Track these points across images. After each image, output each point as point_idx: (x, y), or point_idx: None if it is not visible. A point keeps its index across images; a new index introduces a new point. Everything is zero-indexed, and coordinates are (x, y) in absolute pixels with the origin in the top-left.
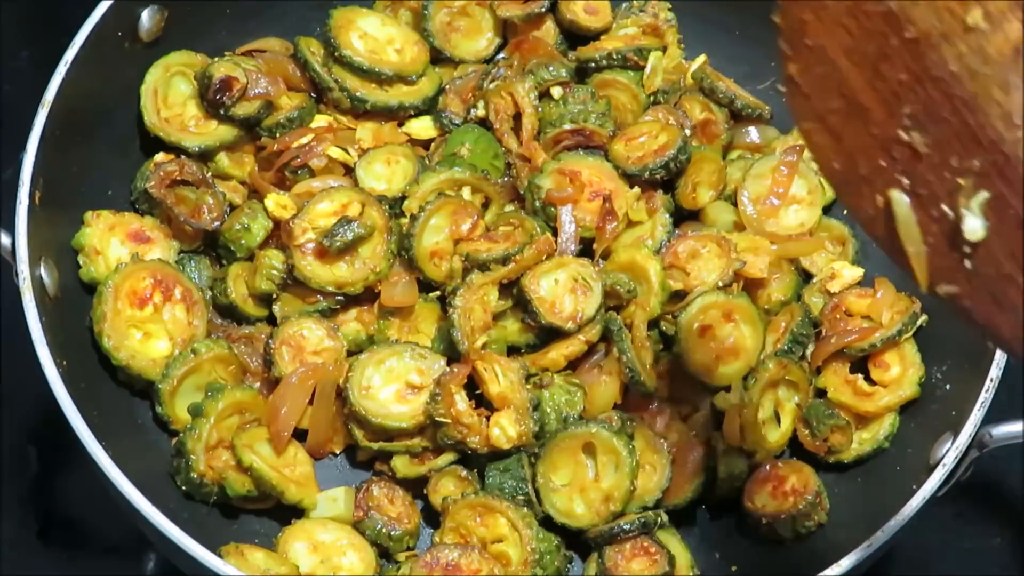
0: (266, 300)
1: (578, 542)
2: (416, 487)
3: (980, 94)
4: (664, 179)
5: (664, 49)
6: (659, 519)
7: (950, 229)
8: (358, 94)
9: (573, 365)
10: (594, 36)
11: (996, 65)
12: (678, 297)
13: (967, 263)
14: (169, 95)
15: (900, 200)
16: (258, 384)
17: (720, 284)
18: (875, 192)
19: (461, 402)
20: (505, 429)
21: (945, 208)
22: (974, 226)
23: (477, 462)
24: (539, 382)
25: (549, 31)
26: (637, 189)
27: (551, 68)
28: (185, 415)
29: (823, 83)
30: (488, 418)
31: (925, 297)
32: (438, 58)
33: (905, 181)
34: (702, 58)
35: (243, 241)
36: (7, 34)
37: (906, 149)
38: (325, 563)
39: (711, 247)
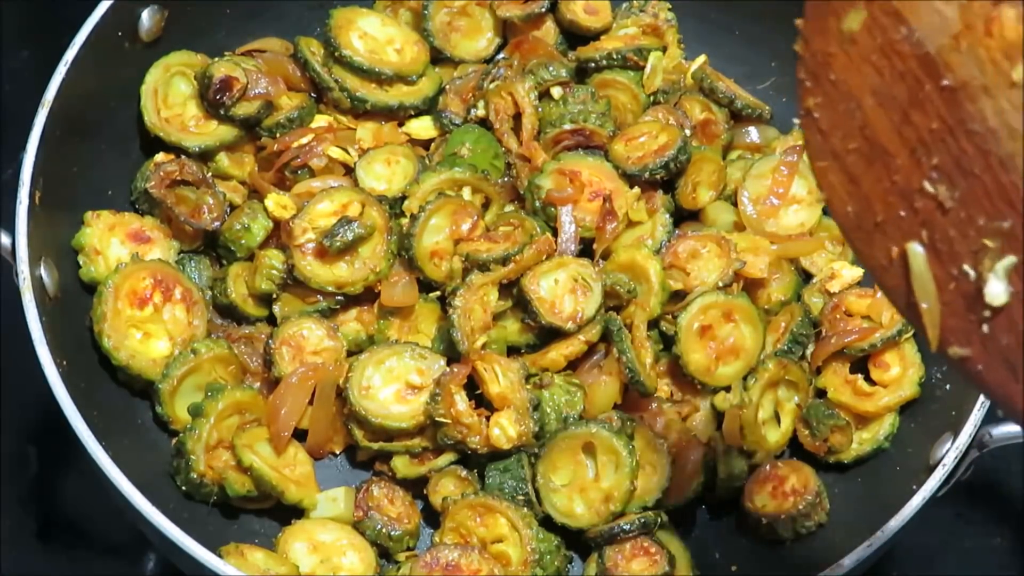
0: (266, 300)
1: (578, 542)
2: (416, 487)
3: (1018, 153)
4: (664, 179)
5: (664, 49)
6: (659, 519)
7: (970, 290)
8: (358, 94)
9: (573, 365)
10: (594, 36)
11: None
12: (678, 297)
13: (984, 327)
14: (169, 95)
15: (918, 254)
16: (258, 384)
17: (720, 284)
18: (890, 242)
19: (461, 402)
20: (505, 429)
21: (967, 268)
22: (997, 291)
23: (477, 462)
24: (539, 382)
25: (549, 31)
26: (637, 189)
27: (551, 68)
28: (185, 415)
29: (844, 122)
30: (488, 418)
31: None
32: (438, 58)
33: (925, 234)
34: (702, 58)
35: (243, 241)
36: (7, 34)
37: (930, 201)
38: (325, 563)
39: (711, 247)
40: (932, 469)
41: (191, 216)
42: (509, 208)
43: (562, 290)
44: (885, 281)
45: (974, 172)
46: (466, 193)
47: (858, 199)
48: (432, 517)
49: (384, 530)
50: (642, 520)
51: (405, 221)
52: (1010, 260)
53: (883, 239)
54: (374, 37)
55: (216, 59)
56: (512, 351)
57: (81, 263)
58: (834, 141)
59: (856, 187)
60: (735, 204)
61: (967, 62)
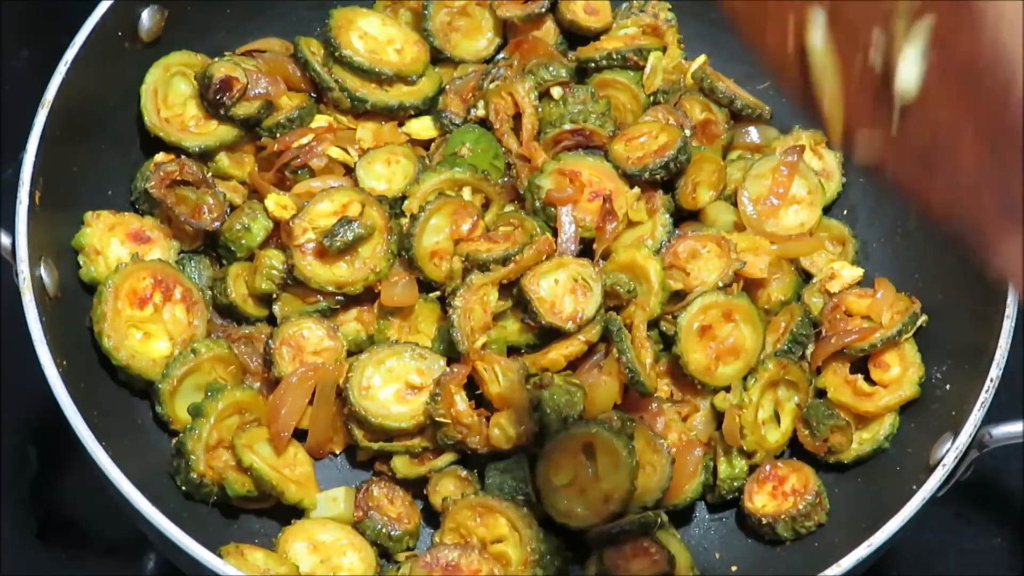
0: (266, 300)
1: (578, 542)
2: (416, 487)
3: None
4: (664, 179)
5: (664, 49)
6: (659, 519)
7: (876, 81)
8: (358, 94)
9: (573, 365)
10: (594, 36)
11: None
12: (678, 297)
13: (894, 124)
14: (169, 95)
15: (817, 38)
16: (258, 384)
17: (720, 284)
18: (785, 26)
19: (461, 402)
20: (505, 429)
21: (873, 54)
22: (908, 76)
23: (477, 462)
24: (539, 382)
25: (549, 31)
26: (637, 189)
27: (551, 68)
28: (185, 415)
29: None
30: (488, 418)
31: (925, 297)
32: (438, 58)
33: (824, 11)
34: (702, 58)
35: (243, 241)
36: (7, 34)
37: None
38: (325, 563)
39: (711, 247)
40: (932, 469)
41: (191, 216)
42: (509, 208)
43: (562, 290)
44: (784, 74)
45: None
46: (466, 193)
47: None
48: (432, 517)
49: (384, 530)
50: (642, 520)
51: (405, 221)
52: (924, 36)
53: (777, 25)
54: (374, 37)
55: (216, 59)
56: (512, 351)
57: (81, 263)
58: None
59: None
60: (735, 204)
61: None
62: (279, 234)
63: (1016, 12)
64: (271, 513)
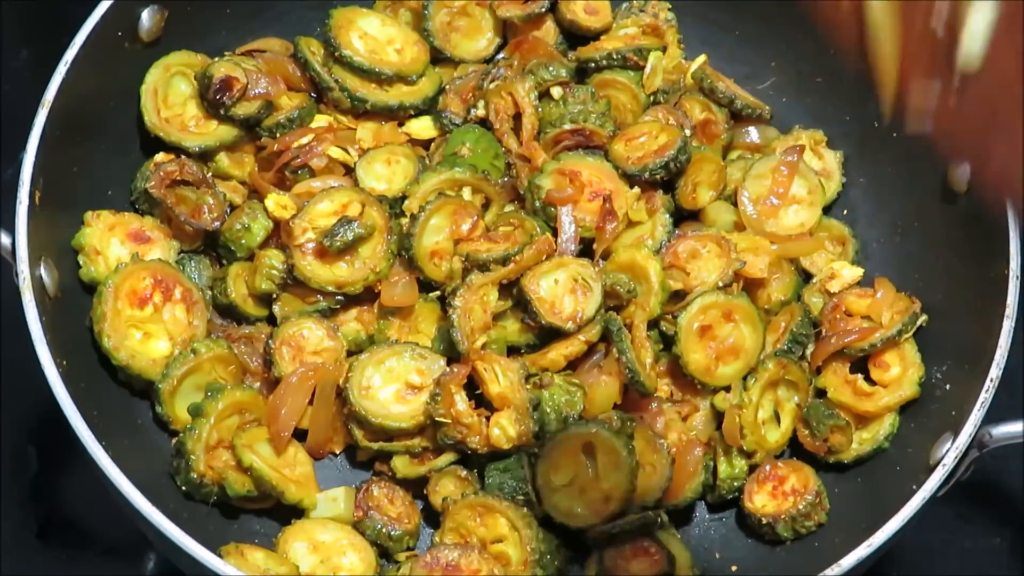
0: (266, 300)
1: (578, 542)
2: (416, 487)
3: None
4: (664, 179)
5: (664, 49)
6: (659, 519)
7: (938, 49)
8: (358, 94)
9: (573, 365)
10: (594, 36)
11: None
12: (678, 297)
13: (951, 97)
14: (169, 95)
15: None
16: (258, 384)
17: (720, 284)
18: None
19: (461, 402)
20: (505, 429)
21: (936, 18)
22: (972, 48)
23: (477, 462)
24: (539, 382)
25: (549, 31)
26: (637, 189)
27: (551, 68)
28: (185, 415)
29: None
30: (488, 418)
31: (925, 297)
32: (438, 58)
33: None
34: (702, 58)
35: (243, 241)
36: (7, 34)
37: None
38: (325, 563)
39: (711, 247)
40: (932, 469)
41: (191, 216)
42: (509, 208)
43: (562, 290)
44: (839, 28)
45: None
46: (466, 193)
47: None
48: (432, 517)
49: (384, 530)
50: (642, 520)
51: (405, 221)
52: (994, 7)
53: None
54: (374, 37)
55: (216, 59)
56: (512, 351)
57: (81, 263)
58: None
59: None
60: (735, 204)
61: None
62: (279, 234)
63: None
64: (271, 513)
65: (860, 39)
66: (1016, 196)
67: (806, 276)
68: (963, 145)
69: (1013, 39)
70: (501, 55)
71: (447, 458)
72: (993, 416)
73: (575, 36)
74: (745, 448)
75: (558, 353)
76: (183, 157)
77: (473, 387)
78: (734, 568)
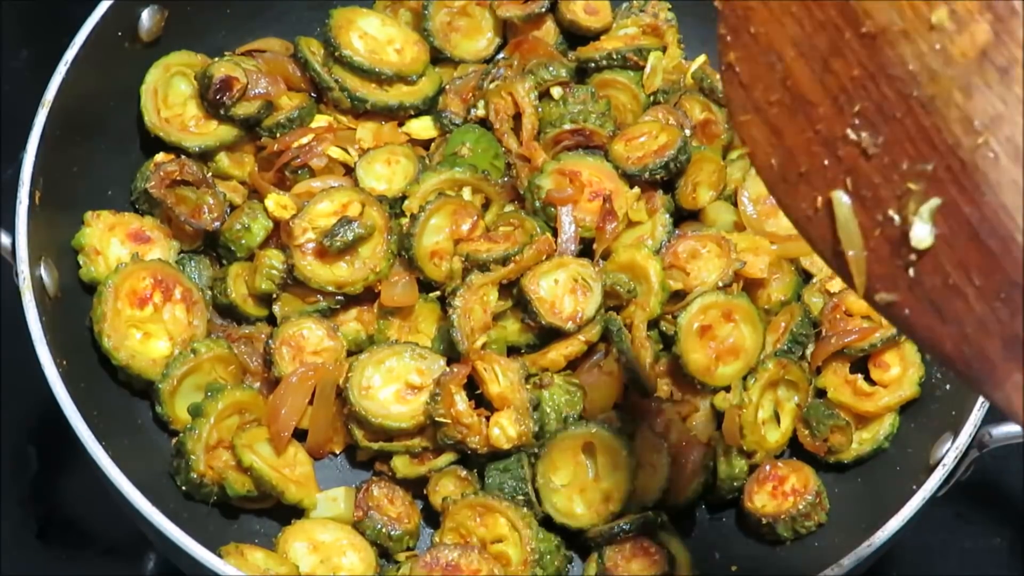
0: (266, 300)
1: (578, 542)
2: (416, 487)
3: (939, 96)
4: (664, 179)
5: (664, 49)
6: (659, 519)
7: (895, 235)
8: (358, 94)
9: (573, 365)
10: (594, 36)
11: (959, 67)
12: (678, 297)
13: (910, 271)
14: (169, 95)
15: (842, 201)
16: (258, 384)
17: (720, 284)
18: (815, 192)
19: (461, 402)
20: (505, 429)
21: (891, 213)
22: (922, 233)
23: (477, 462)
24: (539, 382)
25: (549, 31)
26: (637, 189)
27: (551, 68)
28: (185, 415)
29: (766, 74)
30: (488, 418)
31: None
32: (438, 58)
33: (849, 182)
34: (702, 58)
35: (243, 241)
36: (7, 34)
37: (853, 149)
38: (325, 563)
39: (711, 247)
40: (932, 469)
41: (191, 216)
42: (509, 208)
43: (562, 290)
44: (810, 231)
45: (896, 117)
46: (466, 193)
47: (782, 151)
48: (432, 517)
49: (384, 530)
50: (642, 520)
51: (405, 221)
52: (935, 202)
53: (808, 189)
54: (374, 37)
55: (216, 59)
56: (512, 351)
57: (81, 263)
58: (756, 94)
59: (779, 139)
60: (735, 204)
61: (886, 8)
62: (279, 234)
63: (1013, 182)
64: (271, 513)
65: (829, 237)
66: (963, 365)
67: (806, 276)
68: (920, 317)
69: (953, 227)
70: (501, 55)
71: (447, 458)
72: (993, 416)
73: (575, 36)
74: (745, 448)
75: (558, 353)
76: (183, 157)
77: (473, 387)
78: (734, 568)
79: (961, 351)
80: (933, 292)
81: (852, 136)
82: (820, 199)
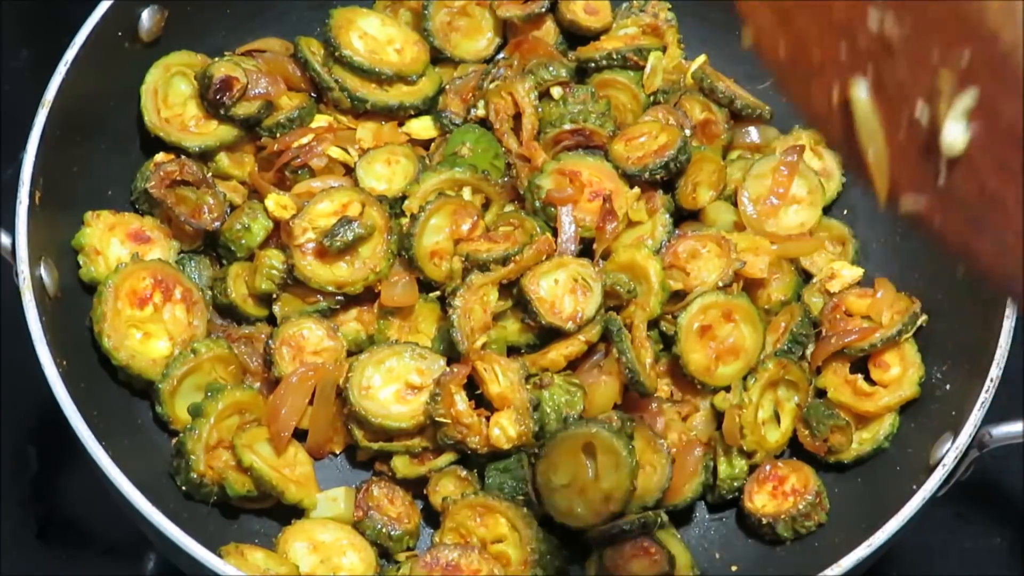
0: (266, 300)
1: (578, 542)
2: (416, 487)
3: None
4: (664, 179)
5: (664, 49)
6: (659, 519)
7: (923, 135)
8: (358, 94)
9: (573, 365)
10: (594, 36)
11: None
12: (678, 297)
13: (940, 177)
14: (169, 95)
15: (861, 95)
16: (258, 384)
17: (720, 284)
18: (830, 85)
19: (461, 402)
20: (505, 429)
21: (919, 111)
22: (955, 133)
23: (477, 462)
24: (539, 382)
25: (549, 31)
26: (637, 189)
27: (551, 68)
28: (185, 415)
29: None
30: (488, 418)
31: (925, 297)
32: (438, 58)
33: (870, 75)
34: (702, 58)
35: (243, 241)
36: (7, 34)
37: (874, 39)
38: (325, 563)
39: (711, 247)
40: (932, 469)
41: (191, 216)
42: (509, 208)
43: (562, 290)
44: (828, 131)
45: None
46: (466, 193)
47: (791, 40)
48: (432, 517)
49: (384, 530)
50: (642, 520)
51: (405, 221)
52: (970, 96)
53: (822, 82)
54: (374, 37)
55: (216, 59)
56: (512, 351)
57: (81, 263)
58: None
59: (788, 26)
60: (735, 204)
61: None
62: (279, 234)
63: None
64: (271, 513)
65: (850, 134)
66: (1001, 279)
67: (806, 276)
68: (952, 229)
69: (990, 128)
70: (501, 55)
71: (447, 458)
72: (993, 416)
73: (575, 36)
74: (745, 448)
75: (558, 353)
76: (183, 157)
77: (473, 387)
78: (734, 568)
79: (1001, 263)
80: (968, 200)
81: (873, 24)
82: (836, 93)
